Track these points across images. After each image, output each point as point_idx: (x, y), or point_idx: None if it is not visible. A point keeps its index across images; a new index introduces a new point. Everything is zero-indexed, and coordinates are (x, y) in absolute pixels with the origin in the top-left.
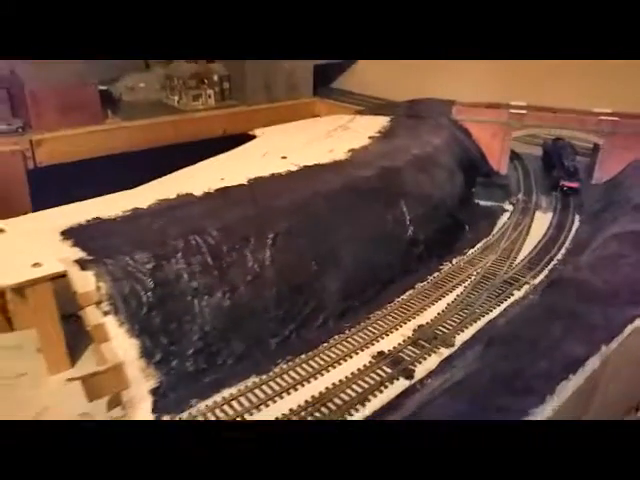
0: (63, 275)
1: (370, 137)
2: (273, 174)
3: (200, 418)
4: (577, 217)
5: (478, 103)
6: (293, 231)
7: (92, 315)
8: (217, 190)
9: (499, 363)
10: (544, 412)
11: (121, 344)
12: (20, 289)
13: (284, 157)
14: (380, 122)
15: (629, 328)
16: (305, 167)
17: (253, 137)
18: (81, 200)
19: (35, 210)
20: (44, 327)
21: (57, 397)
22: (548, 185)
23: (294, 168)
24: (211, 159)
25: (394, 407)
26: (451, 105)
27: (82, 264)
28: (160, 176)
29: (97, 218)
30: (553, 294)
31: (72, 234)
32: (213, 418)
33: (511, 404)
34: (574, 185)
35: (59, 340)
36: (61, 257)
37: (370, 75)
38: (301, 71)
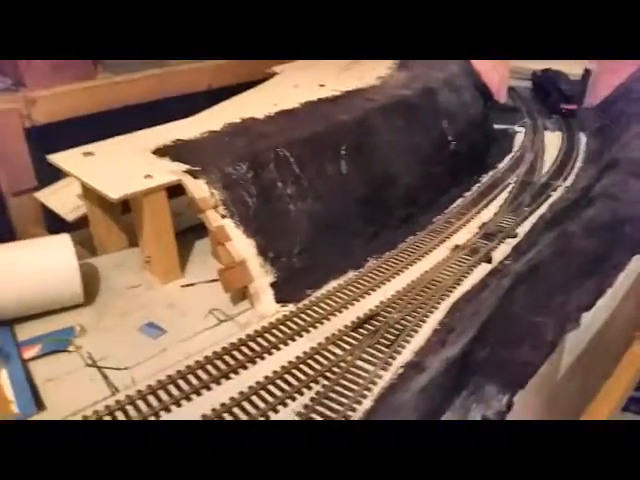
0: (175, 185)
1: (388, 67)
2: (320, 98)
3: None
4: (582, 134)
5: None
6: (359, 143)
7: (213, 217)
8: (277, 113)
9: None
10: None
11: (240, 243)
12: (137, 199)
13: (322, 85)
14: None
15: None
16: (347, 92)
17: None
18: None
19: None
20: (159, 236)
21: (179, 299)
22: (547, 110)
23: (338, 93)
24: (242, 94)
25: (482, 288)
26: None
27: (193, 174)
28: None
29: (179, 139)
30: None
31: (165, 152)
32: (328, 302)
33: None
34: (573, 107)
35: (172, 249)
36: (171, 169)
37: None
38: None
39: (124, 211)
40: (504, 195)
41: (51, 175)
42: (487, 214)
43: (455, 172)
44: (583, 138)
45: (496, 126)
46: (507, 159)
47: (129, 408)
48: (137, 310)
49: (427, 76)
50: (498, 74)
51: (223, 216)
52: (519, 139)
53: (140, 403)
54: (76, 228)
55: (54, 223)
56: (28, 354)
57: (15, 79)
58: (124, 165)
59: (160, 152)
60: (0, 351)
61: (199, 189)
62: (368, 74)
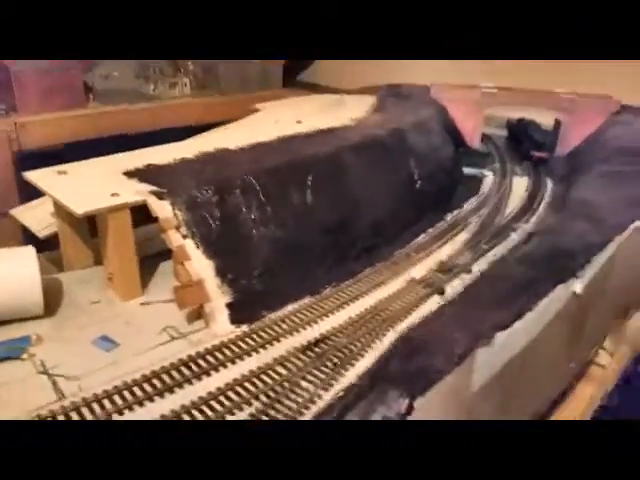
0: (140, 204)
1: (365, 110)
2: (296, 133)
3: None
4: (549, 180)
5: (454, 84)
6: (327, 176)
7: (174, 237)
8: (251, 145)
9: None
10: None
11: (199, 264)
12: (102, 216)
13: (299, 122)
14: (368, 100)
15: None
16: (321, 130)
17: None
18: None
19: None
20: (122, 254)
21: (136, 316)
22: (518, 157)
23: (312, 130)
24: (222, 127)
25: (435, 317)
26: (427, 88)
27: (158, 195)
28: None
29: (151, 164)
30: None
31: (135, 174)
32: (281, 324)
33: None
34: (544, 155)
35: (134, 267)
36: (137, 189)
37: (332, 68)
38: (272, 65)
39: (94, 232)
40: (465, 233)
41: (35, 197)
42: (446, 250)
43: (420, 209)
44: (550, 184)
45: (466, 169)
46: (473, 200)
47: (72, 414)
48: (95, 324)
49: (399, 119)
50: (472, 121)
51: (184, 236)
52: (488, 182)
53: (84, 410)
54: (55, 248)
55: (35, 244)
56: None
57: (8, 104)
58: (94, 184)
59: (130, 174)
60: None
61: (163, 209)
62: (344, 115)
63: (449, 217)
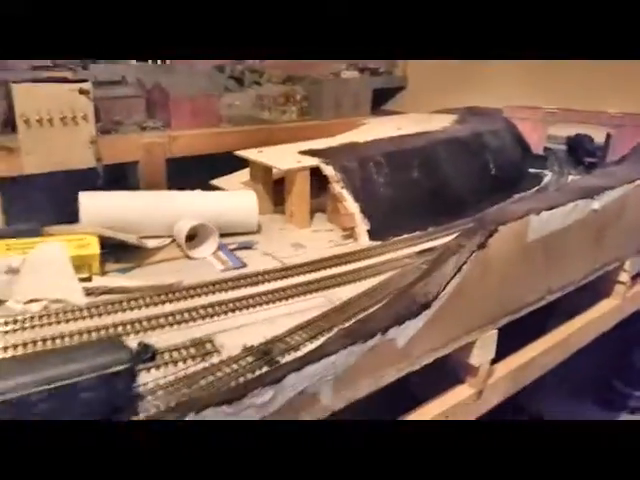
0: (315, 167)
1: (450, 122)
2: (399, 135)
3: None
4: None
5: (522, 106)
6: (425, 160)
7: (336, 186)
8: (372, 139)
9: None
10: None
11: (350, 204)
12: (293, 173)
13: (399, 128)
14: (451, 116)
15: None
16: (416, 133)
17: None
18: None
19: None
20: (301, 198)
21: (311, 236)
22: (574, 163)
23: (411, 132)
24: (346, 133)
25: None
26: (499, 110)
27: (325, 163)
28: None
29: (312, 149)
30: None
31: (307, 153)
32: (401, 243)
33: None
34: (593, 160)
35: (307, 208)
36: (312, 160)
37: (414, 97)
38: (363, 93)
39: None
40: None
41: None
42: None
43: (493, 189)
44: None
45: (531, 170)
46: (534, 189)
47: (285, 272)
48: (287, 238)
49: (477, 126)
50: (537, 134)
51: (342, 187)
52: (547, 178)
53: (296, 269)
54: None
55: None
56: (230, 247)
57: (164, 121)
58: (283, 157)
59: (303, 152)
60: (218, 245)
61: (329, 170)
62: (434, 125)
63: (516, 197)
